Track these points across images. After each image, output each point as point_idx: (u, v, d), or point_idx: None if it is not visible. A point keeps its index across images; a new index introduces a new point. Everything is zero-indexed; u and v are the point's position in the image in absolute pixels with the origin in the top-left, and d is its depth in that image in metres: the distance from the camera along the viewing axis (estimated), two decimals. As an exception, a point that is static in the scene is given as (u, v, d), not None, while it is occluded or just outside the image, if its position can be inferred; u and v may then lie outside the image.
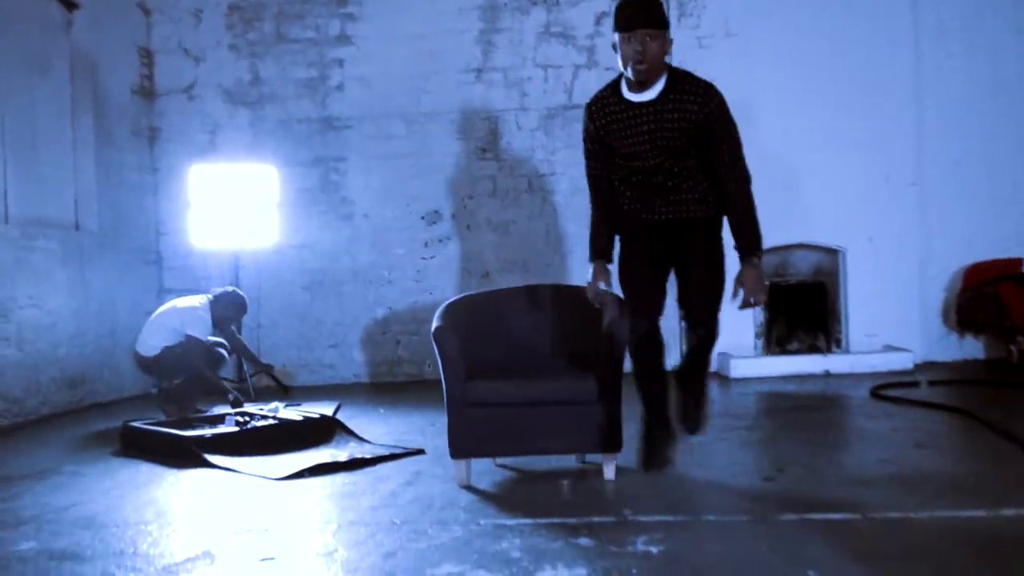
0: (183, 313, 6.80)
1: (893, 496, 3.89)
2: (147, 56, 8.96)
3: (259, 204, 8.05)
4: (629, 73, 3.94)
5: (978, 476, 4.28)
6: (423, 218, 8.85)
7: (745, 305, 4.14)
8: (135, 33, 8.84)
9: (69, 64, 7.90)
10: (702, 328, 4.35)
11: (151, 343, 6.78)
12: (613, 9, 4.07)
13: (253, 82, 8.97)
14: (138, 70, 8.84)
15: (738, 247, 4.21)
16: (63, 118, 7.83)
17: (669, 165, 4.11)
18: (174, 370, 6.84)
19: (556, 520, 3.64)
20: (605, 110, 4.14)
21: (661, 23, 3.91)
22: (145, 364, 6.88)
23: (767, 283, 4.22)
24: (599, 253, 4.35)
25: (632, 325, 4.24)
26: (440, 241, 8.83)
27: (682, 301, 4.38)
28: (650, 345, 4.35)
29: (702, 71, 8.55)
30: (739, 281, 4.14)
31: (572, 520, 3.62)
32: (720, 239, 4.36)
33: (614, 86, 4.15)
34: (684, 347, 4.53)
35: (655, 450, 4.41)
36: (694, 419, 4.47)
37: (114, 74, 8.40)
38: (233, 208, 7.84)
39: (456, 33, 8.76)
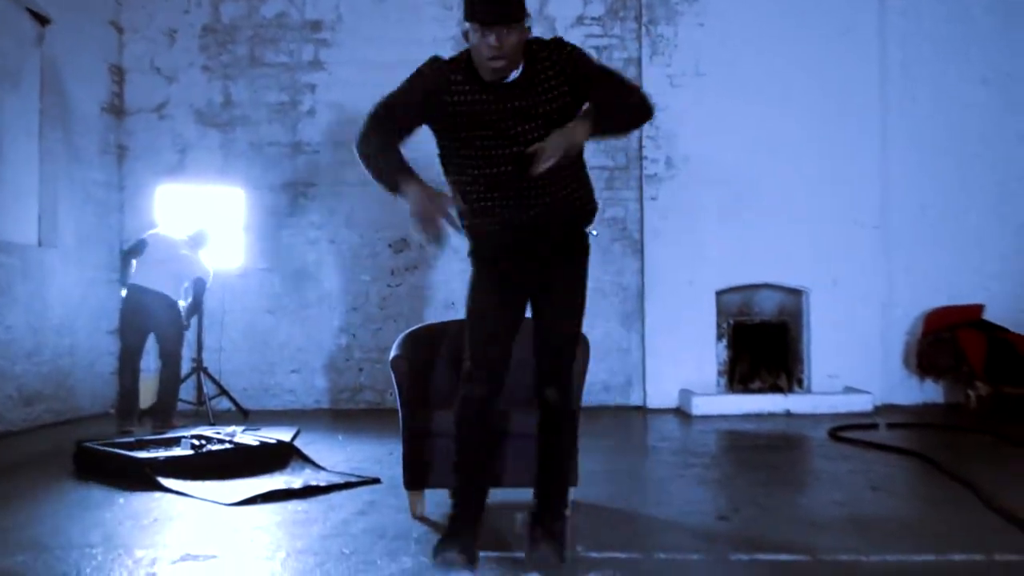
0: (192, 266, 7.40)
1: (845, 538, 3.90)
2: (118, 74, 8.93)
3: (226, 226, 8.03)
4: (485, 69, 3.25)
5: (930, 520, 4.31)
6: (390, 246, 8.84)
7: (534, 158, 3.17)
8: (107, 50, 8.81)
9: (39, 78, 7.86)
10: (554, 388, 3.48)
11: (172, 287, 7.23)
12: None
13: (225, 104, 8.95)
14: (108, 87, 8.81)
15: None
16: (31, 132, 7.78)
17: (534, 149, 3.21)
18: (173, 327, 7.29)
19: (507, 554, 3.61)
20: (457, 80, 3.31)
21: (520, 15, 3.22)
22: (161, 303, 7.14)
23: (569, 147, 3.19)
24: (407, 171, 3.27)
25: (468, 387, 3.43)
26: (407, 269, 8.82)
27: (537, 343, 3.52)
28: (485, 421, 3.50)
29: (673, 108, 8.71)
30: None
31: (523, 555, 3.59)
32: (587, 267, 3.56)
33: (468, 63, 3.33)
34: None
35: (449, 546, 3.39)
36: (557, 542, 3.48)
37: (84, 90, 8.37)
38: (214, 236, 7.78)
39: (429, 63, 8.79)
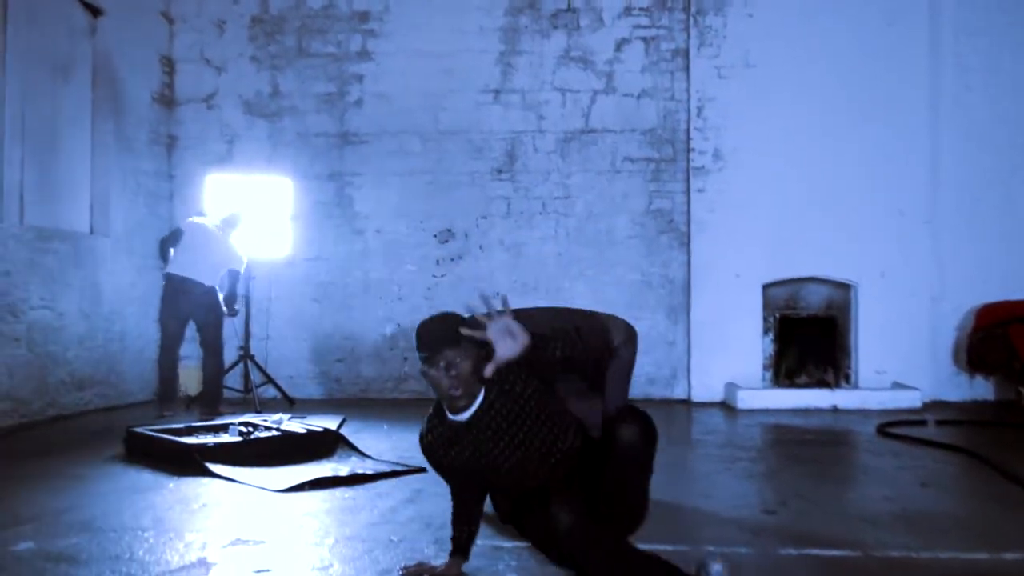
0: (227, 255, 7.46)
1: (896, 535, 3.85)
2: (168, 64, 9.03)
3: (273, 216, 8.10)
4: (446, 403, 3.20)
5: (981, 518, 4.25)
6: (436, 236, 8.87)
7: None
8: (158, 41, 8.91)
9: (91, 69, 7.98)
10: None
11: (209, 275, 7.31)
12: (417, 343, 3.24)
13: (273, 94, 9.02)
14: (159, 78, 8.91)
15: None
16: (83, 122, 7.90)
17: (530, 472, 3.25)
18: (212, 314, 7.37)
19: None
20: (441, 438, 3.25)
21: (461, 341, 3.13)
22: (198, 291, 7.25)
23: None
24: (458, 546, 3.28)
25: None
26: (452, 260, 8.84)
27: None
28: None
29: (720, 100, 8.67)
30: None
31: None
32: None
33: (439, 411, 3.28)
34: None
35: None
36: None
37: (135, 81, 8.48)
38: (247, 218, 7.87)
39: (476, 53, 8.81)
